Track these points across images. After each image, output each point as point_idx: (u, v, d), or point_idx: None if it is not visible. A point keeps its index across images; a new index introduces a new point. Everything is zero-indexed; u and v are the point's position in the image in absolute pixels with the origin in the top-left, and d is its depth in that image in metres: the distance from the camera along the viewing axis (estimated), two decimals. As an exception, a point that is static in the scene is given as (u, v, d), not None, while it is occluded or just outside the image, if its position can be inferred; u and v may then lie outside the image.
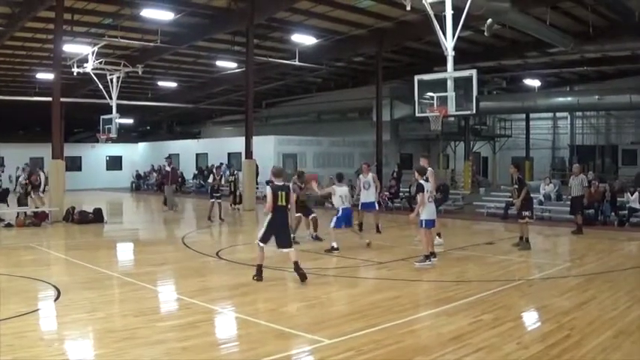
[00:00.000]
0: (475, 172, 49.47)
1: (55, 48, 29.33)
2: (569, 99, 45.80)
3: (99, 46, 33.91)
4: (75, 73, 36.01)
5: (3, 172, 32.04)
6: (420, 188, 16.63)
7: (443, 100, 19.77)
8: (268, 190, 14.89)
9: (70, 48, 33.23)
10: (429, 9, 20.08)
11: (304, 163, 47.18)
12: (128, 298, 13.19)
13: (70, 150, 52.47)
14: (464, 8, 19.80)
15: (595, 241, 22.14)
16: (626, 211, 26.70)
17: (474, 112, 20.20)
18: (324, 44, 37.89)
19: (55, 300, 12.54)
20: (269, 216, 15.01)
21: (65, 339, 10.16)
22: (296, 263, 14.66)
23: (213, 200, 29.14)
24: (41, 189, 29.26)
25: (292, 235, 20.41)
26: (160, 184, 52.08)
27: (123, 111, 42.53)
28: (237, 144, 42.54)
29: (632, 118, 52.41)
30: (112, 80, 37.09)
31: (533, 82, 47.80)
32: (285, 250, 15.06)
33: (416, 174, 17.33)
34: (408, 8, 22.24)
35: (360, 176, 23.60)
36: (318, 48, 38.63)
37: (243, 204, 34.93)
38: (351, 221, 20.37)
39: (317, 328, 10.50)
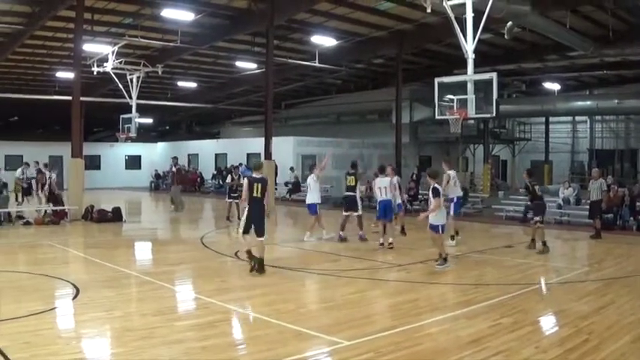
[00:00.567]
0: (494, 176, 49.34)
1: (76, 47, 29.42)
2: (588, 103, 45.57)
3: (119, 45, 34.01)
4: (95, 73, 36.12)
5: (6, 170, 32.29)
6: (436, 192, 16.59)
7: (463, 103, 19.75)
8: (245, 182, 15.76)
9: (90, 47, 33.31)
10: (449, 11, 20.05)
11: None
12: (147, 297, 13.23)
13: (90, 149, 52.58)
14: (484, 11, 19.78)
15: (613, 245, 22.05)
16: (645, 216, 26.63)
17: (494, 115, 20.20)
18: (344, 46, 37.86)
19: (74, 298, 12.59)
20: (247, 208, 15.74)
21: (83, 337, 10.19)
22: (247, 255, 15.68)
23: (230, 200, 29.13)
24: (46, 188, 29.46)
25: (340, 233, 20.74)
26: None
27: (142, 110, 42.66)
28: (257, 144, 42.55)
29: (651, 123, 52.25)
30: (131, 80, 37.21)
31: (553, 86, 47.56)
32: (259, 238, 15.73)
33: (428, 178, 17.34)
34: (429, 10, 22.18)
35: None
36: (337, 49, 38.60)
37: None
38: (388, 215, 20.24)
39: (336, 329, 10.48)
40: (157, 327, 10.56)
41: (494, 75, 19.55)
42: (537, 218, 20.53)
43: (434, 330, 10.61)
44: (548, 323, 11.63)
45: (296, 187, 42.89)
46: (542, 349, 9.47)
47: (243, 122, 68.01)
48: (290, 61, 39.82)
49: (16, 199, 31.13)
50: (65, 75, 39.71)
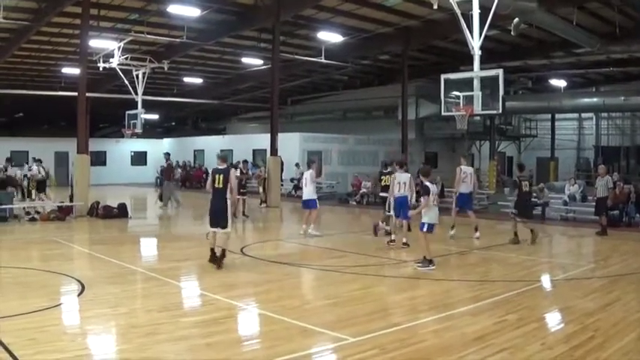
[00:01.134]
0: (500, 172, 49.35)
1: (81, 43, 29.45)
2: (594, 100, 45.65)
3: (125, 41, 34.09)
4: (101, 69, 36.19)
5: (12, 166, 32.31)
6: (426, 190, 16.31)
7: (469, 100, 19.76)
8: (211, 173, 16.04)
9: (96, 43, 33.37)
10: (455, 8, 20.06)
11: (329, 161, 47.25)
12: (152, 293, 13.22)
13: (95, 145, 52.63)
14: (491, 7, 19.80)
15: (619, 242, 21.99)
16: (651, 213, 26.61)
17: (500, 111, 20.24)
18: (350, 42, 37.85)
19: (79, 294, 12.57)
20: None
21: (88, 333, 10.17)
22: (223, 250, 15.78)
23: (238, 197, 29.07)
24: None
25: (387, 228, 20.73)
26: (184, 180, 52.55)
27: (148, 106, 42.75)
28: (263, 140, 42.51)
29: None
30: (137, 76, 37.28)
31: (559, 83, 47.61)
32: (223, 230, 15.98)
33: (420, 176, 17.20)
34: (435, 7, 22.20)
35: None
36: (344, 46, 38.57)
37: (269, 201, 34.94)
38: (404, 212, 19.75)
39: (341, 325, 10.45)
40: (162, 323, 10.54)
41: (500, 71, 19.57)
42: (514, 211, 21.45)
43: (439, 327, 10.57)
44: (553, 320, 11.59)
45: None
46: (547, 345, 9.43)
47: (249, 118, 68.13)
48: (296, 57, 39.88)
49: (29, 196, 31.15)
50: (71, 71, 39.80)
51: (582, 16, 30.79)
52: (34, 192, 30.98)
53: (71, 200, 28.55)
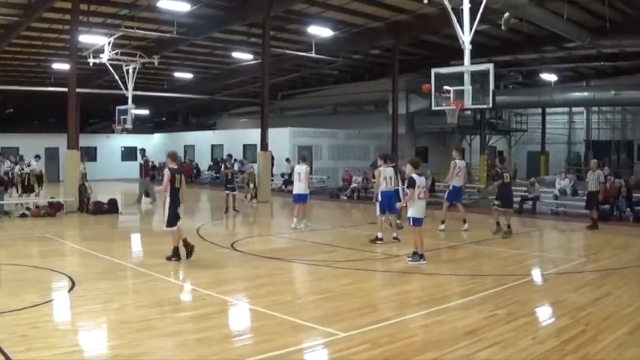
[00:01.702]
0: (491, 166, 49.43)
1: (72, 38, 29.41)
2: (585, 94, 45.73)
3: (115, 36, 34.00)
4: (91, 64, 36.06)
5: (3, 162, 32.40)
6: (411, 183, 16.08)
7: (459, 94, 19.75)
8: (166, 173, 15.94)
9: (86, 39, 33.30)
10: (446, 2, 20.11)
11: (319, 155, 47.31)
12: (143, 289, 13.24)
13: (86, 140, 52.59)
14: (481, 1, 19.82)
15: (610, 236, 22.08)
16: (642, 207, 26.67)
17: (491, 106, 20.23)
18: (340, 36, 37.80)
19: (70, 290, 12.57)
20: (168, 200, 16.04)
21: (79, 330, 10.19)
22: (183, 243, 16.12)
23: (227, 192, 29.06)
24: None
25: (398, 222, 20.80)
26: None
27: (138, 102, 42.60)
28: (253, 135, 42.53)
29: (648, 114, 52.28)
30: (127, 71, 37.18)
31: (550, 77, 47.64)
32: (174, 228, 16.23)
33: (409, 166, 17.00)
34: (426, 1, 22.25)
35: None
36: (334, 40, 38.53)
37: (259, 196, 34.92)
38: (393, 208, 19.59)
39: (332, 320, 10.47)
40: (152, 319, 10.55)
41: (490, 66, 19.58)
42: (497, 202, 21.64)
43: (429, 321, 10.58)
44: (544, 314, 11.62)
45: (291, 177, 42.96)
46: (538, 340, 9.45)
47: (240, 113, 68.05)
48: (287, 51, 39.80)
49: (31, 191, 31.22)
50: (61, 66, 39.65)
51: (573, 11, 30.81)
52: (35, 186, 31.10)
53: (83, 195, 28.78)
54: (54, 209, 27.44)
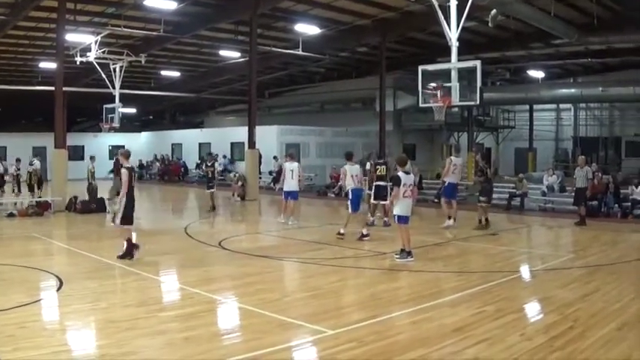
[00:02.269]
0: (477, 164, 49.47)
1: (58, 37, 29.26)
2: (572, 90, 45.78)
3: (102, 35, 33.91)
4: (78, 63, 36.02)
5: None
6: (396, 181, 16.03)
7: (446, 91, 19.74)
8: (125, 173, 15.94)
9: (72, 37, 33.20)
10: (433, -1, 20.07)
11: (307, 153, 47.29)
12: (130, 288, 13.19)
13: (73, 139, 52.27)
14: (468, -1, 19.79)
15: (598, 232, 22.12)
16: (630, 203, 26.70)
17: (478, 102, 20.33)
18: (327, 34, 37.81)
19: (58, 290, 12.54)
20: (124, 199, 15.96)
21: (67, 329, 10.16)
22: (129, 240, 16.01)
23: (207, 191, 29.15)
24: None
25: (372, 219, 20.97)
26: (162, 174, 52.47)
27: (126, 100, 42.55)
28: (240, 133, 42.51)
29: (635, 110, 52.16)
30: (114, 69, 37.06)
31: (537, 74, 47.73)
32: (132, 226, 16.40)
33: (396, 165, 16.87)
34: (412, -2, 22.25)
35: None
36: (321, 38, 38.51)
37: (246, 194, 34.87)
38: (356, 205, 20.05)
39: (319, 318, 10.46)
40: (140, 318, 10.52)
41: (478, 63, 19.57)
42: (483, 199, 22.36)
43: (417, 318, 10.58)
44: (532, 310, 11.64)
45: (280, 175, 42.86)
46: (526, 336, 9.46)
47: (227, 111, 67.98)
48: (274, 49, 39.71)
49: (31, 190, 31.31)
50: (48, 65, 39.61)
51: (560, 7, 30.83)
52: (35, 186, 31.12)
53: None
54: (42, 209, 27.36)
